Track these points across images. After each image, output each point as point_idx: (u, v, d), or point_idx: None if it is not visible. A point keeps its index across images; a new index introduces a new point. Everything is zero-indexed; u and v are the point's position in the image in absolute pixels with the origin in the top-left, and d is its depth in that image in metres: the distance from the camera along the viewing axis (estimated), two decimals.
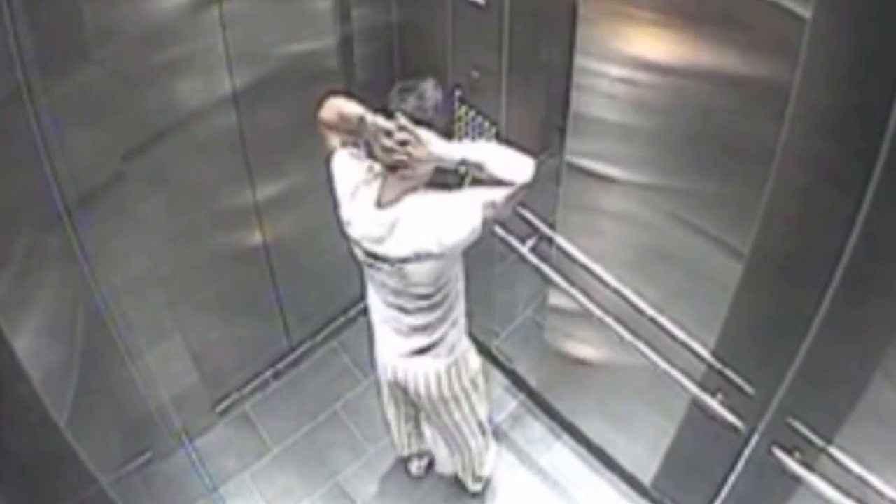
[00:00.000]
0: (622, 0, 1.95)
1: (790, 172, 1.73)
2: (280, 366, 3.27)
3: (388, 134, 1.92)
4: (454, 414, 2.49)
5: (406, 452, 2.90)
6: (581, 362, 2.81)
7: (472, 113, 2.66)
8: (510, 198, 2.00)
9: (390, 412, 2.67)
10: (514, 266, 2.85)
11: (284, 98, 2.60)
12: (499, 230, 2.69)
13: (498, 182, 1.97)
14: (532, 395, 3.21)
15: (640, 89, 2.04)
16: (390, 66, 2.89)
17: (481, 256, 2.96)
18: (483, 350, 3.34)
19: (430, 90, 1.97)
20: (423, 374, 2.33)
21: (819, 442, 1.96)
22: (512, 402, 3.23)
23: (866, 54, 1.50)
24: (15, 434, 2.10)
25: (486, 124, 2.63)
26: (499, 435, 3.13)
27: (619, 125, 2.16)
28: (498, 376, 3.31)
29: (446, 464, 2.95)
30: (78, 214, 2.16)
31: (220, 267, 2.88)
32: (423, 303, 2.16)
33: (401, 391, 2.47)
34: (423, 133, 1.93)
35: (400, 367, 2.34)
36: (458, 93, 2.66)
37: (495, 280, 3.03)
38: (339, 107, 2.07)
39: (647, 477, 2.81)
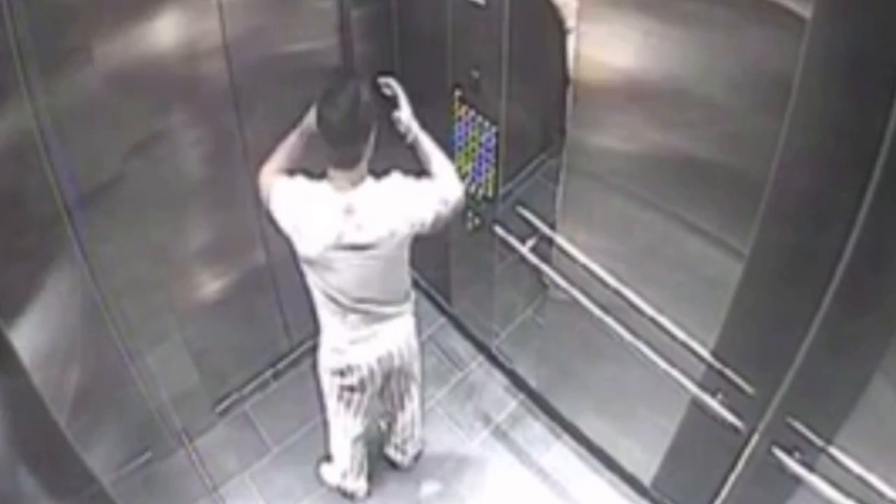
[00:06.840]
0: (620, 1, 1.95)
1: (790, 172, 1.73)
2: (280, 366, 3.26)
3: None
4: (415, 366, 2.56)
5: (350, 482, 2.84)
6: (581, 363, 2.81)
7: (472, 113, 2.65)
8: (440, 217, 2.17)
9: (350, 433, 2.63)
10: (514, 266, 2.85)
11: (284, 98, 2.60)
12: (499, 230, 2.69)
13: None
14: (532, 395, 3.21)
15: (639, 89, 2.04)
16: (390, 66, 2.89)
17: (481, 256, 2.98)
18: (483, 350, 3.36)
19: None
20: (402, 330, 2.41)
21: (819, 442, 1.97)
22: (512, 402, 3.23)
23: (866, 54, 1.50)
24: (16, 433, 2.11)
25: (486, 124, 2.63)
26: (499, 435, 3.13)
27: (619, 125, 2.16)
28: (498, 376, 3.31)
29: (416, 444, 2.93)
30: (78, 214, 2.16)
31: (220, 267, 2.88)
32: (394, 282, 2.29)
33: (376, 378, 2.45)
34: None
35: (382, 343, 2.37)
36: (458, 93, 2.66)
37: (495, 280, 3.03)
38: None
39: (647, 477, 2.81)
